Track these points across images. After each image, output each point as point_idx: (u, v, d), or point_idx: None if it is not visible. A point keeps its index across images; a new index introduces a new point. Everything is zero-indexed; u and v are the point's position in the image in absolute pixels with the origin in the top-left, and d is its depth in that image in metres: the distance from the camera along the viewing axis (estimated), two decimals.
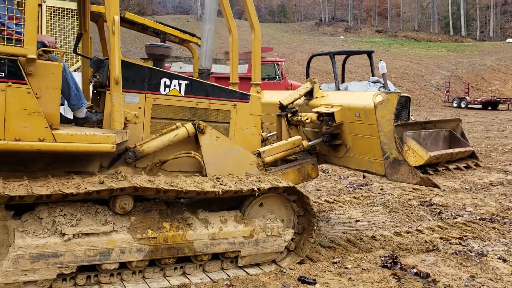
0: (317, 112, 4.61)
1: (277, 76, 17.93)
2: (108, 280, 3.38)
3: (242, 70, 16.94)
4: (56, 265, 3.11)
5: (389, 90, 10.21)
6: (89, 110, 3.82)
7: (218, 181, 3.71)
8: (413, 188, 7.25)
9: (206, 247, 3.60)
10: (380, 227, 5.24)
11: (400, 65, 41.97)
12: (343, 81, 12.00)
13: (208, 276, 3.63)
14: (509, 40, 54.77)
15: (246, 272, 3.76)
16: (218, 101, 4.06)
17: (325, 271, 3.79)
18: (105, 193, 3.22)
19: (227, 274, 3.70)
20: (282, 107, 4.84)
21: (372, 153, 4.34)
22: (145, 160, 3.73)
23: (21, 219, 3.13)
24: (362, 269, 3.87)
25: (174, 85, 3.84)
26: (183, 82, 3.88)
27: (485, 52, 48.58)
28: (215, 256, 3.75)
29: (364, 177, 7.97)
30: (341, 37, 55.53)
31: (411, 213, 5.88)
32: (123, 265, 3.40)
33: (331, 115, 4.49)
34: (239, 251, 3.74)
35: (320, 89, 5.09)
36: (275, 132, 5.06)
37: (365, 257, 4.12)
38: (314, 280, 3.57)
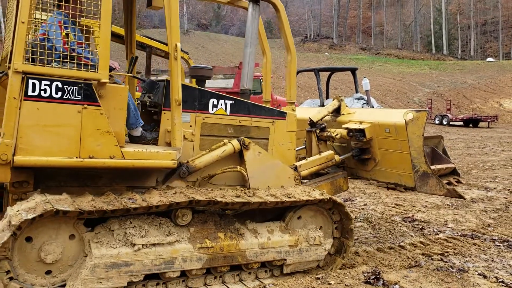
0: (347, 128, 4.95)
1: (263, 93, 18.00)
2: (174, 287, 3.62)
3: (228, 85, 16.98)
4: (126, 274, 3.33)
5: (373, 106, 10.31)
6: (143, 128, 4.04)
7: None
8: (396, 204, 7.30)
9: (256, 256, 3.86)
10: (363, 243, 5.25)
11: (384, 82, 42.62)
12: (327, 97, 12.12)
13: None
14: (489, 59, 56.14)
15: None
16: (258, 119, 4.35)
17: (308, 287, 3.74)
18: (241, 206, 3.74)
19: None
20: (312, 123, 5.17)
21: (401, 166, 4.68)
22: (194, 174, 3.96)
23: (95, 231, 3.35)
24: (345, 285, 3.86)
25: (221, 105, 4.13)
26: (229, 102, 4.17)
27: (466, 70, 49.70)
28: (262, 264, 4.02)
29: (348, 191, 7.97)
30: (326, 53, 56.28)
31: (394, 228, 5.91)
32: (183, 274, 3.63)
33: (361, 131, 4.85)
34: (285, 259, 4.01)
35: (346, 106, 5.48)
36: (303, 146, 5.38)
37: (348, 273, 4.12)
38: None
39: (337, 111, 5.37)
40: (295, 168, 4.55)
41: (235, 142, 4.05)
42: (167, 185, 3.81)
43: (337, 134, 5.01)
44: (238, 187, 4.10)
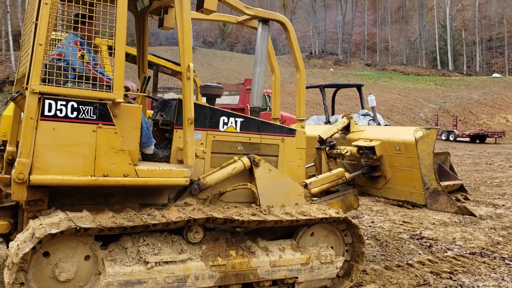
0: (357, 146, 4.97)
1: (268, 107, 18.13)
2: None
3: (233, 101, 17.10)
4: None
5: (379, 122, 10.35)
6: (156, 147, 4.09)
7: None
8: (403, 221, 7.28)
9: (268, 274, 3.87)
10: (370, 261, 5.23)
11: (389, 97, 42.69)
12: (333, 113, 12.18)
13: None
14: (495, 75, 56.13)
15: None
16: (268, 136, 4.39)
17: None
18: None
19: None
20: (321, 140, 5.21)
21: (412, 184, 4.70)
22: (205, 191, 4.00)
23: (108, 249, 3.37)
24: None
25: (231, 123, 4.19)
26: (239, 120, 4.23)
27: (472, 86, 49.70)
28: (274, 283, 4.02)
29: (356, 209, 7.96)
30: (331, 70, 56.55)
31: (402, 246, 5.89)
32: None
33: (371, 148, 4.87)
34: (297, 278, 4.01)
35: (356, 124, 5.54)
36: (312, 164, 5.39)
37: None
38: None
39: (346, 129, 5.42)
40: (305, 186, 4.58)
41: (245, 160, 4.09)
42: (183, 202, 3.86)
43: (347, 152, 5.05)
44: (253, 205, 4.14)
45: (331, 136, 5.30)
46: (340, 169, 4.94)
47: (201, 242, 3.71)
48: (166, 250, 3.50)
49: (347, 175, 4.90)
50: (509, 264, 5.31)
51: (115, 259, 3.34)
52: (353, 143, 5.14)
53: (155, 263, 3.39)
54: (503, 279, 4.78)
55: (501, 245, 6.16)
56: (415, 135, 4.60)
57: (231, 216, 3.67)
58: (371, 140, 4.98)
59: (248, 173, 4.20)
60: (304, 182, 4.62)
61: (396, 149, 4.77)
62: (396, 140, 4.79)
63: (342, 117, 5.55)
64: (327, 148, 5.19)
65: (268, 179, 4.23)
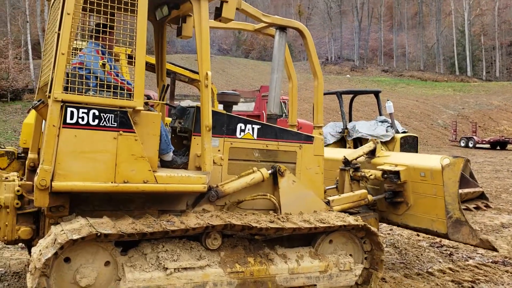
0: (382, 169, 4.98)
1: (284, 114, 18.13)
2: None
3: (249, 108, 17.13)
4: None
5: (397, 129, 10.26)
6: (174, 153, 4.13)
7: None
8: None
9: (286, 281, 3.85)
10: (389, 269, 5.18)
11: (407, 104, 42.24)
12: (350, 120, 12.10)
13: None
14: None
15: None
16: (285, 143, 4.39)
17: None
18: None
19: None
20: (346, 162, 5.21)
21: (434, 212, 4.64)
22: (223, 198, 4.02)
23: (128, 255, 3.41)
24: None
25: (248, 129, 4.21)
26: (256, 127, 4.24)
27: (492, 92, 48.88)
28: None
29: None
30: (348, 76, 56.31)
31: (421, 254, 5.81)
32: None
33: (396, 173, 4.86)
34: (315, 285, 3.99)
35: (382, 149, 5.54)
36: (333, 186, 5.39)
37: None
38: None
39: (372, 153, 5.43)
40: (328, 202, 4.58)
41: (264, 171, 4.11)
42: (201, 209, 3.88)
43: (371, 175, 5.06)
44: (271, 212, 4.14)
45: (356, 158, 5.30)
46: (364, 191, 4.91)
47: (219, 248, 3.73)
48: (185, 256, 3.51)
49: (370, 197, 4.88)
50: None
51: (135, 265, 3.37)
52: (378, 167, 5.14)
53: (174, 269, 3.41)
54: None
55: None
56: (442, 163, 4.58)
57: (249, 223, 3.68)
58: (396, 165, 4.97)
59: (272, 182, 4.22)
60: (327, 199, 4.63)
61: (421, 175, 4.75)
62: (422, 167, 4.77)
63: (369, 142, 5.56)
64: (351, 170, 5.19)
65: (291, 190, 4.24)
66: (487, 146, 31.24)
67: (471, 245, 4.57)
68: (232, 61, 55.05)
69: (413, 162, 4.91)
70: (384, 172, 4.99)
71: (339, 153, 5.68)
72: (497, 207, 9.36)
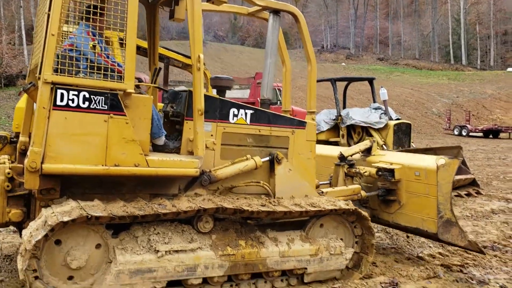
0: (377, 167, 5.02)
1: (278, 101, 18.10)
2: None
3: (244, 95, 17.08)
4: (150, 280, 3.39)
5: (391, 116, 10.28)
6: (166, 138, 4.11)
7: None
8: None
9: (277, 264, 3.89)
10: (380, 253, 5.22)
11: (402, 92, 42.28)
12: (344, 107, 12.09)
13: None
14: (509, 69, 55.33)
15: None
16: (278, 128, 4.38)
17: None
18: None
19: None
20: (342, 157, 5.24)
21: (426, 211, 4.68)
22: (216, 183, 4.02)
23: (119, 238, 3.42)
24: None
25: (241, 114, 4.18)
26: (249, 112, 4.22)
27: (486, 81, 49.02)
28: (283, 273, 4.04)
29: None
30: (343, 64, 56.17)
31: (412, 239, 5.86)
32: (205, 281, 3.68)
33: (391, 171, 4.90)
34: (306, 268, 4.03)
35: (377, 148, 5.61)
36: (326, 182, 5.42)
37: (365, 283, 4.12)
38: None
39: (368, 151, 5.47)
40: (321, 193, 4.60)
41: (257, 159, 4.11)
42: (193, 193, 3.88)
43: (365, 172, 5.10)
44: (263, 196, 4.15)
45: (351, 155, 5.33)
46: (357, 186, 4.94)
47: (211, 232, 3.74)
48: (176, 239, 3.53)
49: (363, 193, 4.90)
50: None
51: (126, 247, 3.38)
52: (373, 164, 5.17)
53: (166, 251, 3.43)
54: None
55: None
56: (437, 162, 4.61)
57: (240, 206, 3.69)
58: (391, 164, 5.01)
59: (267, 169, 4.23)
60: (321, 190, 4.65)
61: (415, 174, 4.78)
62: (417, 166, 4.80)
63: (366, 140, 5.63)
64: (346, 166, 5.21)
65: (287, 178, 4.26)
66: (480, 134, 31.43)
67: (459, 246, 4.60)
68: (228, 48, 54.71)
69: (408, 161, 4.96)
70: (379, 169, 5.02)
71: (334, 150, 5.73)
72: (488, 193, 9.45)
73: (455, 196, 8.74)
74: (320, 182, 5.41)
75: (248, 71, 41.21)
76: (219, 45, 55.46)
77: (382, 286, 4.04)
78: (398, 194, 4.98)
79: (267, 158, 4.25)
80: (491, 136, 31.27)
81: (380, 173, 5.00)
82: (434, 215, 4.59)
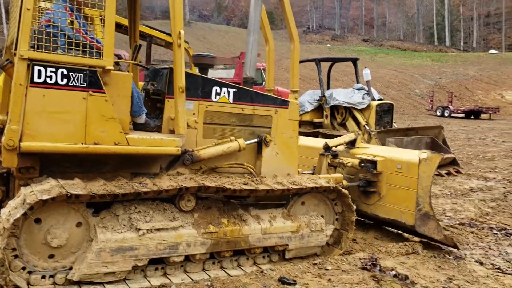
0: (360, 158, 5.10)
1: (264, 82, 18.04)
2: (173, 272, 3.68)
3: (229, 75, 16.97)
4: (131, 258, 3.40)
5: (373, 97, 10.34)
6: (147, 116, 4.07)
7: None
8: None
9: (259, 241, 3.94)
10: (360, 230, 5.29)
11: (386, 73, 42.47)
12: (328, 88, 12.10)
13: (190, 277, 3.67)
14: (491, 51, 55.87)
15: (227, 273, 3.78)
16: (261, 107, 4.36)
17: (305, 272, 3.84)
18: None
19: (208, 275, 3.72)
20: (327, 147, 5.30)
21: (405, 204, 4.77)
22: (198, 163, 4.02)
23: (100, 216, 3.41)
24: (342, 270, 3.93)
25: (224, 93, 4.15)
26: (232, 90, 4.19)
27: (468, 62, 49.48)
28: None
29: None
30: (328, 45, 56.03)
31: None
32: (187, 258, 3.71)
33: (373, 162, 4.98)
34: (287, 245, 4.09)
35: (362, 141, 5.70)
36: (310, 172, 5.43)
37: (345, 259, 4.18)
38: (294, 281, 3.62)
39: (352, 144, 5.53)
40: None
41: (241, 141, 4.10)
42: (175, 172, 3.88)
43: (348, 163, 5.17)
44: (245, 175, 4.16)
45: (336, 146, 5.38)
46: (340, 175, 4.98)
47: (193, 210, 3.75)
48: (158, 217, 3.53)
49: (345, 182, 4.95)
50: (496, 234, 5.41)
51: (107, 226, 3.37)
52: (356, 156, 5.25)
53: (147, 230, 3.43)
54: (489, 248, 4.88)
55: (489, 216, 6.27)
56: (420, 156, 4.68)
57: (223, 185, 3.70)
58: (374, 156, 5.08)
59: (253, 150, 4.24)
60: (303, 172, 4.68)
61: (397, 167, 4.86)
62: (400, 159, 4.87)
63: (351, 133, 5.69)
64: (330, 156, 5.26)
65: (273, 161, 4.29)
66: (462, 115, 31.85)
67: (435, 239, 4.69)
68: (213, 28, 54.04)
69: (391, 154, 5.03)
70: (362, 161, 5.10)
71: (318, 142, 5.82)
72: (467, 172, 9.64)
73: (435, 175, 8.90)
74: (304, 172, 5.48)
75: (234, 51, 40.85)
76: (204, 25, 54.76)
77: (362, 262, 4.13)
78: (378, 186, 5.07)
79: (255, 140, 4.25)
80: (472, 117, 31.72)
81: (362, 164, 5.09)
82: (413, 208, 4.68)
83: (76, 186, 3.23)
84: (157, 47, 9.16)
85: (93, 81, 3.34)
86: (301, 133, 11.15)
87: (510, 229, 5.59)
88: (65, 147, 3.27)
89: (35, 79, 3.18)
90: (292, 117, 4.55)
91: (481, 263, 4.39)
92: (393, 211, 4.93)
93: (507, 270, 4.23)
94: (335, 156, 5.29)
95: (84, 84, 3.31)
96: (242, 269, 3.91)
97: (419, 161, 4.67)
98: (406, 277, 3.84)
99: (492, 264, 4.37)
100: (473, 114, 31.74)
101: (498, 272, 4.19)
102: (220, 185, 3.68)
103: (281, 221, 4.07)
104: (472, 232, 5.44)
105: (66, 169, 3.53)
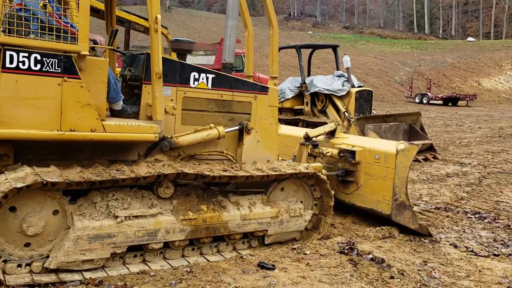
0: (339, 148, 5.17)
1: (244, 68, 17.94)
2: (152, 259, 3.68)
3: (209, 62, 16.84)
4: (110, 245, 3.38)
5: (353, 84, 10.40)
6: (124, 102, 4.01)
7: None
8: None
9: (238, 227, 3.96)
10: (338, 215, 5.36)
11: (366, 61, 42.77)
12: (309, 75, 12.13)
13: (169, 264, 3.67)
14: (469, 38, 56.68)
15: (206, 259, 3.80)
16: (240, 93, 4.33)
17: (284, 257, 3.88)
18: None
19: (188, 261, 3.73)
20: (307, 137, 5.34)
21: (382, 193, 4.87)
22: (177, 150, 3.99)
23: (77, 204, 3.38)
24: (320, 255, 3.99)
25: (202, 79, 4.10)
26: (210, 76, 4.14)
27: (447, 50, 50.18)
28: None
29: None
30: (310, 32, 56.01)
31: None
32: (166, 245, 3.71)
33: (352, 152, 5.06)
34: (267, 230, 4.13)
35: (341, 131, 5.80)
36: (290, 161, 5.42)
37: (323, 244, 4.24)
38: (273, 265, 3.66)
39: (332, 134, 5.60)
40: None
41: (220, 128, 4.07)
42: (153, 159, 3.84)
43: (328, 152, 5.24)
44: (225, 161, 4.16)
45: (316, 136, 5.43)
46: (319, 164, 5.01)
47: (172, 197, 3.74)
48: (136, 204, 3.51)
49: (324, 171, 4.98)
50: (470, 217, 5.55)
51: (84, 213, 3.34)
52: (335, 145, 5.31)
53: (125, 217, 3.41)
54: (464, 231, 5.01)
55: (464, 200, 6.42)
56: (397, 147, 4.76)
57: (202, 171, 3.69)
58: (353, 146, 5.16)
59: (234, 138, 4.24)
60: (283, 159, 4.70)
61: (375, 157, 4.94)
62: (378, 149, 4.96)
63: (331, 123, 5.77)
64: (310, 146, 5.30)
65: (254, 149, 4.30)
66: (440, 102, 32.36)
67: (410, 228, 4.76)
68: (193, 14, 53.43)
69: (369, 145, 5.12)
70: (341, 151, 5.17)
71: (298, 131, 5.91)
72: (444, 158, 9.84)
73: (413, 161, 9.04)
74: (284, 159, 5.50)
75: (215, 38, 40.48)
76: (184, 11, 54.09)
77: (339, 246, 4.19)
78: (356, 176, 5.16)
79: (236, 128, 4.24)
80: (450, 104, 32.28)
81: (341, 154, 5.16)
82: (390, 197, 4.78)
83: (52, 174, 3.18)
84: (137, 33, 9.03)
85: (68, 66, 3.26)
86: (282, 120, 11.23)
87: (484, 213, 5.75)
88: (40, 134, 3.21)
89: (7, 65, 3.09)
90: (271, 103, 4.54)
91: (455, 246, 4.50)
92: (370, 200, 5.03)
93: (480, 252, 4.35)
94: (315, 146, 5.35)
95: (58, 70, 3.23)
96: (222, 255, 3.93)
97: (396, 151, 4.75)
98: (383, 261, 3.92)
99: (466, 247, 4.49)
100: (451, 101, 32.28)
101: (472, 254, 4.30)
102: (199, 172, 3.67)
103: (261, 207, 4.09)
104: (448, 216, 5.57)
105: (41, 156, 3.47)
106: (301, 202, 4.40)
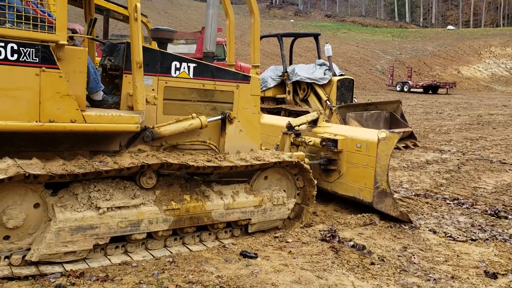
0: (321, 137, 5.23)
1: (226, 57, 17.82)
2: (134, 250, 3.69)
3: (190, 50, 16.69)
4: (92, 237, 3.37)
5: (334, 72, 10.45)
6: (105, 92, 3.96)
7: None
8: None
9: (222, 216, 3.99)
10: (321, 203, 5.43)
11: (347, 49, 42.96)
12: (290, 63, 12.13)
13: (151, 254, 3.68)
14: (449, 27, 57.29)
15: (189, 249, 3.81)
16: (222, 83, 4.31)
17: (266, 245, 3.91)
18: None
19: (170, 251, 3.74)
20: (290, 126, 5.35)
21: (363, 181, 4.96)
22: (159, 140, 3.97)
23: (58, 195, 3.34)
24: (302, 242, 4.03)
25: (184, 68, 4.08)
26: (192, 65, 4.12)
27: (427, 38, 50.66)
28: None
29: None
30: (292, 20, 55.88)
31: None
32: (149, 235, 3.72)
33: (334, 141, 5.14)
34: (250, 219, 4.16)
35: (324, 120, 5.80)
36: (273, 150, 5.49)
37: (305, 232, 4.29)
38: (256, 254, 3.68)
39: (314, 123, 5.64)
40: None
41: (203, 118, 4.05)
42: (136, 149, 3.82)
43: (310, 141, 5.29)
44: (209, 152, 4.15)
45: (299, 125, 5.45)
46: (302, 153, 5.04)
47: (155, 187, 3.73)
48: (118, 195, 3.49)
49: (307, 160, 5.01)
50: (449, 204, 5.68)
51: (66, 205, 3.31)
52: (318, 134, 5.36)
53: (107, 208, 3.39)
54: (443, 217, 5.12)
55: (444, 186, 6.55)
56: (379, 135, 4.83)
57: (186, 162, 3.68)
58: (335, 135, 5.21)
59: (216, 127, 4.23)
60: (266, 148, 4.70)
61: (357, 146, 5.01)
62: (360, 138, 5.02)
63: (314, 112, 5.79)
64: (292, 135, 5.33)
65: (237, 138, 4.31)
66: (421, 90, 32.78)
67: (391, 215, 4.85)
68: (174, 2, 52.73)
69: (351, 133, 5.19)
70: (323, 139, 5.23)
71: (281, 120, 5.94)
72: (424, 145, 10.00)
73: (394, 148, 9.17)
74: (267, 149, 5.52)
75: (196, 26, 40.09)
76: None
77: (321, 234, 4.25)
78: (339, 164, 5.22)
79: (219, 117, 4.23)
80: (430, 92, 32.73)
81: (324, 143, 5.23)
82: (371, 185, 4.86)
83: (35, 166, 3.13)
84: (116, 22, 8.88)
85: (46, 56, 3.20)
86: (264, 109, 11.25)
87: (462, 199, 5.88)
88: (19, 126, 3.15)
89: None
90: (254, 92, 4.54)
91: (435, 232, 4.60)
92: (352, 189, 5.10)
93: (458, 237, 4.46)
94: (297, 135, 5.38)
95: (36, 59, 3.16)
96: (204, 245, 3.95)
97: (378, 140, 4.82)
98: (364, 247, 3.99)
99: (444, 232, 4.59)
100: (431, 89, 32.73)
101: (450, 239, 4.41)
102: (183, 162, 3.66)
103: (244, 196, 4.11)
104: (427, 203, 5.69)
105: (21, 148, 3.41)
106: (284, 191, 4.43)
